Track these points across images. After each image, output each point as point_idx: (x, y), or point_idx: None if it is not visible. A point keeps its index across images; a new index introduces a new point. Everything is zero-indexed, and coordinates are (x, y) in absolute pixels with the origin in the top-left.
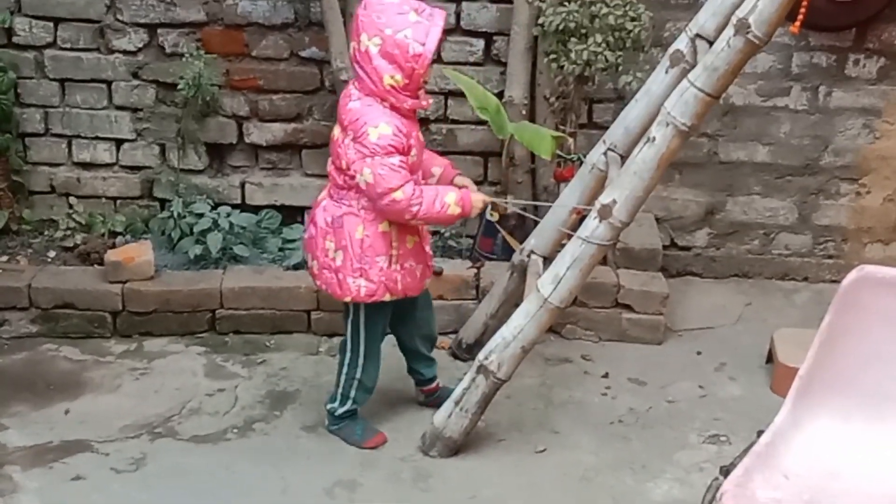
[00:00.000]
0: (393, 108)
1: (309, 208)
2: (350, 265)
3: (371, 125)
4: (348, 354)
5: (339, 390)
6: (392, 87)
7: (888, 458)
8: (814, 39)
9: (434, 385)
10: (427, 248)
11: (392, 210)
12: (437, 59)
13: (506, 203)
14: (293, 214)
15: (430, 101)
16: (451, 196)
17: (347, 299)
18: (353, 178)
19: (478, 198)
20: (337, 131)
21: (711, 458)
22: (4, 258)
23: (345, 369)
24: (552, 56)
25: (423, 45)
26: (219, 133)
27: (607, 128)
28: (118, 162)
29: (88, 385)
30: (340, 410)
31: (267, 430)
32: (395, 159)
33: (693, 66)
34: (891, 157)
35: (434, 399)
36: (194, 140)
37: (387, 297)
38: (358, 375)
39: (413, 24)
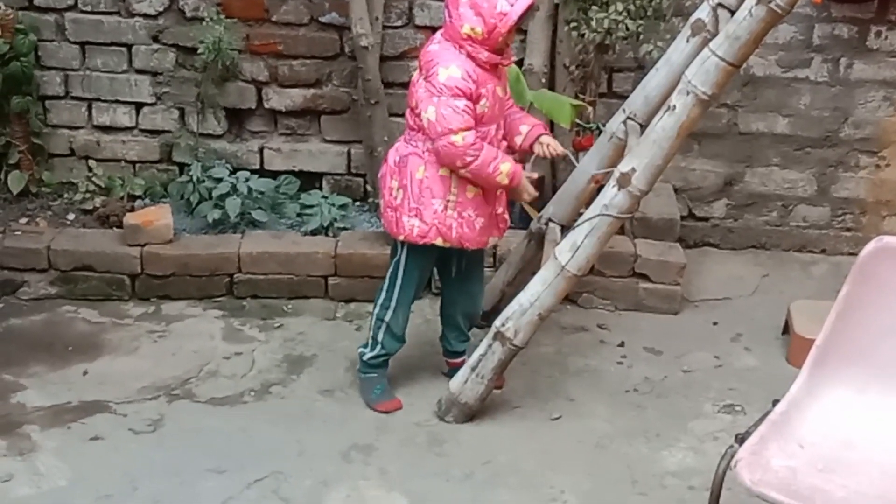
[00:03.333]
0: (469, 56)
1: (326, 174)
2: (407, 204)
3: (442, 65)
4: (382, 295)
5: (370, 333)
6: (470, 36)
7: None
8: (835, 11)
9: (459, 360)
10: (497, 206)
11: (447, 153)
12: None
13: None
14: (311, 180)
15: (514, 58)
16: (507, 165)
17: (401, 237)
18: (420, 116)
19: (525, 182)
20: (415, 74)
21: (726, 427)
22: (24, 220)
23: (376, 310)
24: (573, 24)
25: (512, 5)
26: (238, 98)
27: (627, 97)
28: (138, 125)
29: (106, 347)
30: (369, 354)
31: (284, 393)
32: (461, 102)
33: (714, 35)
34: None
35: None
36: (213, 105)
37: (439, 241)
38: (387, 318)
39: None
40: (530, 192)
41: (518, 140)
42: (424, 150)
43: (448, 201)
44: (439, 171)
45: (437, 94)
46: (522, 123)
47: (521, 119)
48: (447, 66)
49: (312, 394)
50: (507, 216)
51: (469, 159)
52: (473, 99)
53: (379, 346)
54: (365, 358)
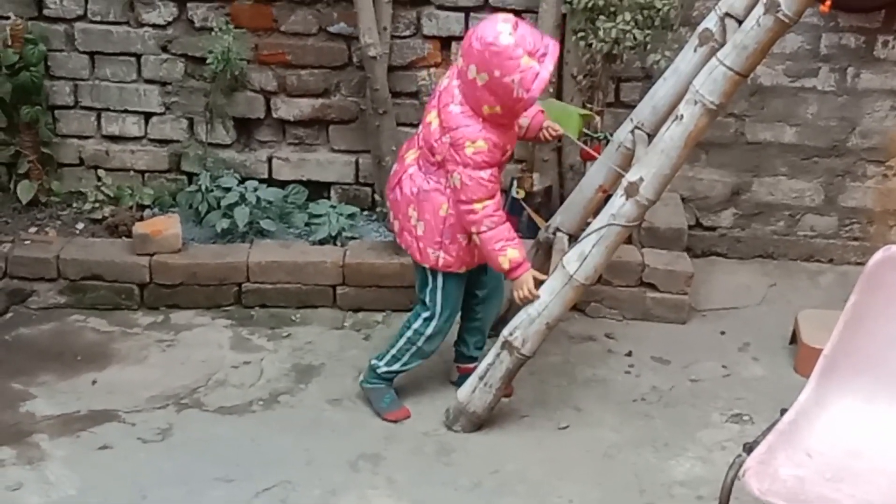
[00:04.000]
0: (493, 123)
1: (334, 183)
2: (431, 237)
3: (469, 139)
4: (418, 321)
5: (392, 350)
6: (490, 114)
7: None
8: (843, 20)
9: (472, 366)
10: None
11: (465, 217)
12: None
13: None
14: (319, 190)
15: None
16: (514, 253)
17: (426, 266)
18: (442, 162)
19: (527, 279)
20: (434, 120)
21: (734, 436)
22: (33, 230)
23: (409, 333)
24: (580, 34)
25: (528, 91)
26: (247, 107)
27: (634, 107)
28: (146, 135)
29: (115, 356)
30: (385, 369)
31: (292, 402)
32: (486, 173)
33: (722, 45)
34: None
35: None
36: (222, 114)
37: (462, 270)
38: (420, 343)
39: (523, 69)
40: (526, 292)
41: (519, 132)
42: (447, 187)
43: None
44: None
45: (463, 165)
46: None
47: None
48: (474, 140)
49: (320, 403)
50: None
51: (483, 228)
52: (498, 164)
53: (400, 364)
54: (379, 371)
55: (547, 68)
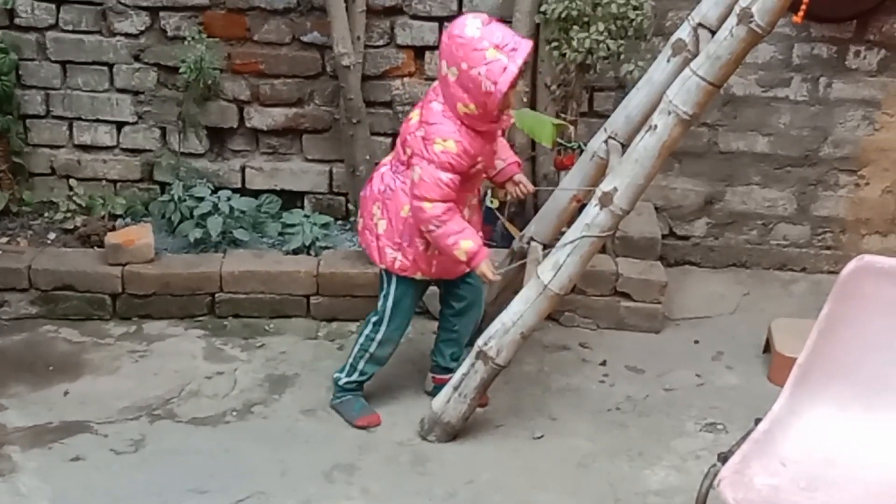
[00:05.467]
0: (469, 127)
1: (308, 193)
2: (390, 237)
3: (440, 136)
4: (369, 327)
5: (350, 360)
6: (466, 113)
7: (885, 446)
8: (815, 30)
9: (447, 377)
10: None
11: (415, 214)
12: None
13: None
14: (293, 199)
15: (512, 120)
16: (468, 244)
17: (382, 267)
18: (411, 157)
19: (490, 271)
20: (416, 116)
21: (708, 445)
22: (4, 240)
23: (361, 339)
24: (554, 44)
25: (495, 84)
26: (220, 117)
27: (608, 116)
28: (119, 145)
29: (88, 367)
30: (345, 380)
31: (266, 413)
32: (446, 176)
33: (695, 55)
34: (890, 149)
35: (440, 391)
36: (195, 124)
37: (418, 276)
38: (372, 349)
39: (489, 62)
40: (489, 276)
41: (490, 173)
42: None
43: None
44: None
45: (428, 160)
46: (499, 157)
47: (498, 151)
48: (445, 138)
49: (295, 413)
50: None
51: (432, 228)
52: (463, 172)
53: (357, 373)
54: (341, 383)
55: (515, 62)
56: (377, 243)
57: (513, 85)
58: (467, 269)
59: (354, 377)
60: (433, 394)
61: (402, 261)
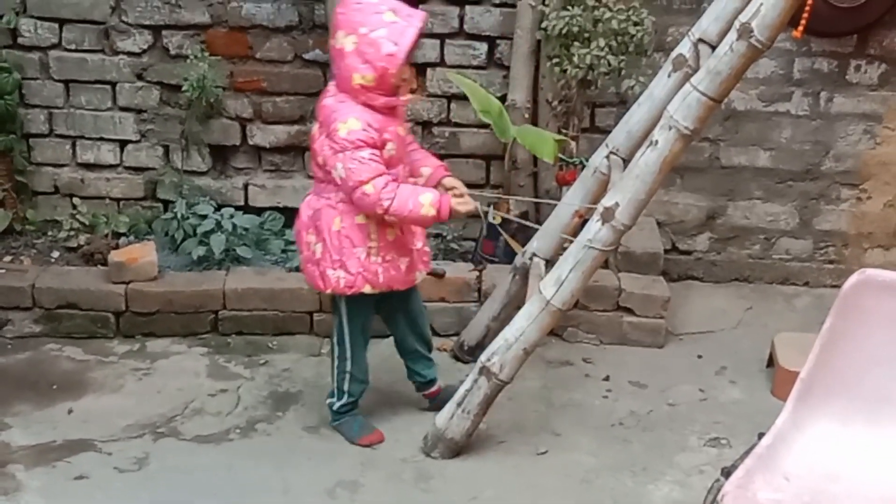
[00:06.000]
0: (365, 104)
1: None
2: (329, 257)
3: (340, 121)
4: (336, 349)
5: (335, 384)
6: (361, 85)
7: (887, 461)
8: (815, 45)
9: (436, 388)
10: (415, 242)
11: (364, 203)
12: (440, 62)
13: (499, 213)
14: (296, 216)
15: (409, 97)
16: (427, 197)
17: (328, 291)
18: (329, 172)
19: (462, 204)
20: (315, 128)
21: (712, 460)
22: (8, 258)
23: (336, 363)
24: (555, 60)
25: (397, 44)
26: (222, 135)
27: (609, 132)
28: (122, 163)
29: (91, 385)
30: (338, 404)
31: (269, 430)
32: (365, 153)
33: (695, 71)
34: (891, 163)
35: (437, 403)
36: (198, 142)
37: (367, 289)
38: (348, 368)
39: (389, 23)
40: (466, 207)
41: (419, 182)
42: (337, 201)
43: (370, 248)
44: (356, 219)
45: (341, 150)
46: (424, 165)
47: (421, 160)
48: (345, 120)
49: (298, 431)
50: (427, 248)
51: (386, 203)
52: (379, 146)
53: (346, 395)
54: (335, 408)
55: (414, 24)
56: (318, 269)
57: (412, 48)
58: (416, 281)
59: (345, 399)
60: (431, 408)
61: (345, 277)
